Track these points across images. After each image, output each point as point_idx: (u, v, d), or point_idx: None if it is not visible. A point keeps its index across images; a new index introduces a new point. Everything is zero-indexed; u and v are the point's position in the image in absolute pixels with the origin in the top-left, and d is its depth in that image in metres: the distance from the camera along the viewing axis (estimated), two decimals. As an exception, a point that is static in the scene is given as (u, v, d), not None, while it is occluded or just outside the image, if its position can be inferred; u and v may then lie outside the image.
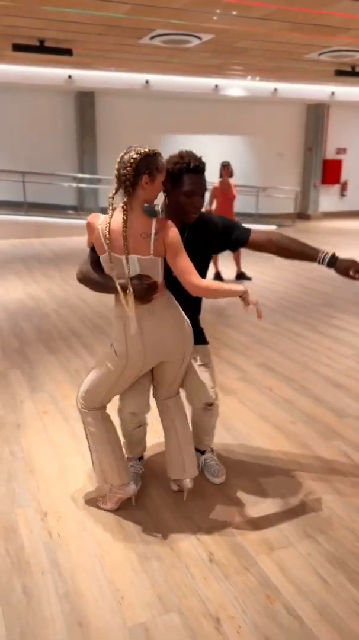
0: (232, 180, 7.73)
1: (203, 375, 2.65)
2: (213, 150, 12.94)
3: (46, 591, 2.16)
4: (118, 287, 2.31)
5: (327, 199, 16.13)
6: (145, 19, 7.30)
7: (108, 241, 2.27)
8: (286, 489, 2.81)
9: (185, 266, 2.29)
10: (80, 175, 13.11)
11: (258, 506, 2.67)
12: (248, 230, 2.61)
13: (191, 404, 2.74)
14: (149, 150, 2.25)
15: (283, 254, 2.63)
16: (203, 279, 2.37)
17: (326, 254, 2.54)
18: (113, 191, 2.27)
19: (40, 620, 2.03)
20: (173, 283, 2.40)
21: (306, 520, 2.57)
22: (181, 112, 13.88)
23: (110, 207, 2.29)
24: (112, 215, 2.29)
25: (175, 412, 2.68)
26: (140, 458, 2.94)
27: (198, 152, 2.54)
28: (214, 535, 2.47)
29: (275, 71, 11.61)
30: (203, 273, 2.56)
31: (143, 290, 2.30)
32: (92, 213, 2.49)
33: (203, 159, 2.47)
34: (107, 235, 2.27)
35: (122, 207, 2.24)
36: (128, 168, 2.21)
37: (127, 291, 2.31)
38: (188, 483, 2.68)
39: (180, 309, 2.48)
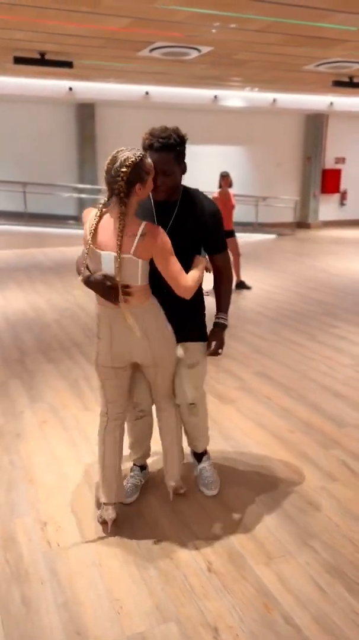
0: (232, 190, 7.78)
1: (187, 374, 2.60)
2: (213, 160, 13.01)
3: (45, 600, 2.16)
4: (81, 278, 2.37)
5: (327, 208, 16.19)
6: (145, 32, 7.39)
7: (92, 234, 2.30)
8: (285, 498, 2.82)
9: (174, 270, 2.33)
10: (80, 185, 13.19)
11: (256, 515, 2.68)
12: (220, 249, 2.63)
13: (177, 403, 2.69)
14: (135, 157, 2.23)
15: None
16: (187, 278, 2.37)
17: (219, 319, 2.67)
18: (106, 199, 2.31)
19: (38, 629, 2.03)
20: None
21: (304, 530, 2.58)
22: (181, 122, 13.78)
23: (103, 208, 2.32)
24: (102, 212, 2.32)
25: (166, 416, 2.70)
26: (143, 467, 2.93)
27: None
28: (213, 545, 2.47)
29: (274, 82, 11.72)
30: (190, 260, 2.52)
31: (104, 289, 2.30)
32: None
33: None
34: (93, 229, 2.30)
35: (119, 216, 2.24)
36: (120, 182, 2.21)
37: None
38: (171, 483, 2.74)
39: (158, 317, 2.44)
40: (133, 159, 2.22)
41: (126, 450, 2.79)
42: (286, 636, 1.99)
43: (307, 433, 3.53)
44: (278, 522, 2.63)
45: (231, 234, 7.42)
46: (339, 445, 3.37)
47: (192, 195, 2.54)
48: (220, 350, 2.62)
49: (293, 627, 2.03)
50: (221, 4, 6.22)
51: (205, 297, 2.72)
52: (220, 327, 2.66)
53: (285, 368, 4.68)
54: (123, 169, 2.20)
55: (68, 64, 9.00)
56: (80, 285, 2.43)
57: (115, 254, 2.26)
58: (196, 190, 2.59)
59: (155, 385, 2.64)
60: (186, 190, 2.55)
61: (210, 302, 2.73)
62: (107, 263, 2.30)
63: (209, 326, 2.69)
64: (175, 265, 2.33)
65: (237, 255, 7.54)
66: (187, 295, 2.39)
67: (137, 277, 2.33)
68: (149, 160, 2.31)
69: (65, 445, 3.37)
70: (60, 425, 3.64)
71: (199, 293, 2.64)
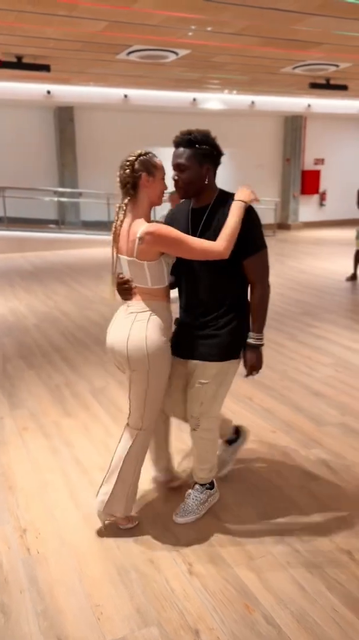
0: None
1: (196, 390, 2.51)
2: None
3: (25, 609, 2.14)
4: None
5: (306, 209, 16.33)
6: (122, 35, 7.40)
7: (114, 239, 2.42)
8: (266, 498, 2.83)
9: (196, 247, 2.30)
10: (61, 189, 13.13)
11: (237, 516, 2.69)
12: (256, 252, 2.43)
13: (186, 418, 2.64)
14: (143, 151, 2.39)
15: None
16: (215, 243, 2.30)
17: (253, 338, 2.50)
18: (121, 200, 2.40)
19: (18, 638, 2.01)
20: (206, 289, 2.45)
21: (285, 529, 2.59)
22: (161, 125, 13.99)
23: (122, 212, 2.40)
24: (122, 219, 2.41)
25: (123, 441, 2.55)
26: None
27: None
28: (194, 547, 2.47)
29: (252, 84, 11.79)
30: (238, 272, 2.45)
31: (117, 286, 2.45)
32: (73, 227, 2.63)
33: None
34: (115, 235, 2.42)
35: (121, 207, 2.36)
36: (126, 170, 2.35)
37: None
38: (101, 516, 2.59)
39: (153, 323, 2.38)
40: (140, 152, 2.39)
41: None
42: (267, 636, 2.00)
43: (288, 433, 3.55)
44: (259, 522, 2.64)
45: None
46: (319, 444, 3.40)
47: (225, 199, 2.47)
48: (254, 373, 2.55)
49: (273, 626, 2.04)
50: (197, 8, 6.25)
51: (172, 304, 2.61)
52: (251, 349, 2.50)
53: (266, 368, 4.65)
54: (130, 158, 2.37)
55: (46, 68, 8.97)
56: (61, 290, 2.46)
57: (123, 257, 2.40)
58: (231, 195, 2.49)
59: (129, 402, 2.50)
60: (221, 194, 2.51)
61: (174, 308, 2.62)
62: (124, 265, 2.45)
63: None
64: (193, 242, 2.31)
65: None
66: (226, 255, 2.30)
67: (146, 279, 2.39)
68: (159, 160, 2.42)
69: (46, 452, 3.35)
70: (40, 432, 3.61)
71: (240, 309, 2.50)
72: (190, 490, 2.72)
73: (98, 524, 2.62)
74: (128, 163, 2.35)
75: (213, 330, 2.48)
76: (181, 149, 2.41)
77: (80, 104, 12.69)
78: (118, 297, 2.50)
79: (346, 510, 2.72)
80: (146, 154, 2.39)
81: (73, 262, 10.61)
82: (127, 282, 2.43)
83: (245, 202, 2.39)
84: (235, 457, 3.07)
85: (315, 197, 16.48)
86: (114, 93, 12.33)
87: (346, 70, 10.01)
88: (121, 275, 2.47)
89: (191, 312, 2.54)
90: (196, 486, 2.70)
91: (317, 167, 16.29)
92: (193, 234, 2.41)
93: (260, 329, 2.50)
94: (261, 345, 2.52)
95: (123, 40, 7.72)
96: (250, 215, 2.41)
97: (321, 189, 16.38)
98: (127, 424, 2.54)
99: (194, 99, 13.10)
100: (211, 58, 8.92)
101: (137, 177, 2.34)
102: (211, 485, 2.73)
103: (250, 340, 2.50)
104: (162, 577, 2.29)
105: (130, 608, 2.13)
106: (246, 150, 15.27)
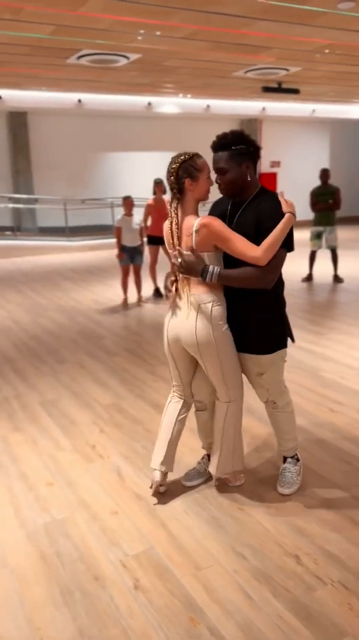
0: (166, 197, 7.79)
1: (256, 381, 2.78)
2: (148, 167, 13.02)
3: None
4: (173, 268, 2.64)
5: (265, 211, 16.52)
6: (70, 39, 7.32)
7: (170, 239, 2.61)
8: (215, 506, 2.81)
9: (238, 247, 2.46)
10: (16, 195, 12.90)
11: (185, 526, 2.65)
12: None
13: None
14: (185, 155, 2.55)
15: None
16: (257, 248, 2.46)
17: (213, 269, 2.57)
18: (171, 203, 2.59)
19: None
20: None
21: (233, 536, 2.57)
22: (116, 130, 13.94)
23: (175, 214, 2.58)
24: (176, 221, 2.59)
25: (217, 415, 2.81)
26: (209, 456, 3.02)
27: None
28: (141, 561, 2.43)
29: (206, 88, 11.86)
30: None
31: (186, 264, 2.53)
32: (30, 233, 2.69)
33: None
34: (170, 232, 2.61)
35: (174, 211, 2.56)
36: (171, 178, 2.54)
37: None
38: (212, 471, 2.89)
39: (216, 313, 2.57)
40: (183, 157, 2.54)
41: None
42: (211, 649, 1.97)
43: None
44: (207, 531, 2.61)
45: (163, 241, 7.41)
46: (271, 448, 3.39)
47: (262, 196, 2.60)
48: (179, 260, 2.56)
49: (218, 638, 2.01)
50: (145, 12, 6.23)
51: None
52: (202, 266, 2.53)
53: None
54: (173, 165, 2.54)
55: (-6, 72, 8.79)
56: (15, 298, 2.43)
57: (185, 251, 2.54)
58: (270, 192, 2.64)
59: (208, 376, 2.74)
60: (261, 191, 2.63)
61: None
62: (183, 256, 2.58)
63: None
64: (237, 242, 2.46)
65: (154, 262, 7.55)
66: (262, 262, 2.44)
67: None
68: (202, 160, 2.56)
69: (-8, 468, 3.25)
70: (-13, 447, 3.50)
71: (274, 300, 2.68)
72: (284, 465, 2.96)
73: (43, 544, 2.54)
74: (172, 170, 2.53)
75: (261, 327, 2.66)
76: (219, 154, 2.55)
77: (34, 109, 12.51)
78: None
79: (293, 514, 2.72)
80: (189, 157, 2.54)
81: (29, 269, 10.43)
82: (192, 249, 2.52)
83: (293, 213, 2.53)
84: (208, 473, 3.03)
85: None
86: (68, 98, 12.20)
87: (296, 74, 10.18)
88: (186, 253, 2.54)
89: (231, 305, 2.66)
90: (289, 459, 2.96)
91: (274, 170, 16.51)
92: (229, 226, 2.56)
93: (223, 275, 2.53)
94: (204, 273, 2.52)
95: (72, 44, 7.64)
96: (280, 212, 2.53)
97: (278, 191, 16.58)
98: (217, 399, 2.80)
99: (149, 103, 13.09)
100: (162, 62, 8.93)
101: (182, 183, 2.53)
102: (298, 458, 3.00)
103: (209, 267, 2.52)
104: (107, 595, 2.24)
105: (72, 630, 2.07)
106: (203, 154, 15.29)
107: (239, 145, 2.52)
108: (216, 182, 2.60)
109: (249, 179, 2.58)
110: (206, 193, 2.61)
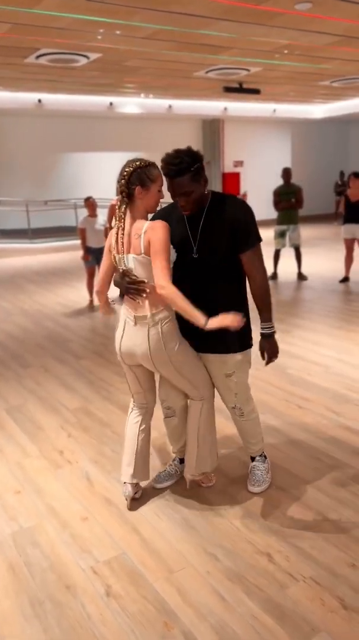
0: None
1: (224, 383, 2.73)
2: (111, 167, 12.93)
3: None
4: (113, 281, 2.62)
5: (229, 211, 16.62)
6: (28, 38, 7.19)
7: (114, 243, 2.51)
8: (186, 506, 2.79)
9: (158, 266, 2.40)
10: (-24, 197, 12.62)
11: (157, 529, 2.63)
12: (253, 246, 2.57)
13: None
14: (142, 162, 2.46)
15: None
16: (171, 285, 2.39)
17: (264, 327, 2.69)
18: (119, 206, 2.49)
19: None
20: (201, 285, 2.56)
21: (206, 538, 2.55)
22: (78, 130, 13.78)
23: (122, 219, 2.49)
24: (123, 225, 2.49)
25: (191, 414, 2.79)
26: (182, 460, 2.99)
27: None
28: (112, 566, 2.39)
29: (168, 89, 11.85)
30: (236, 268, 2.60)
31: (123, 285, 2.50)
32: None
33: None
34: (114, 236, 2.51)
35: (120, 215, 2.46)
36: (122, 181, 2.43)
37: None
38: (187, 476, 2.85)
39: (166, 330, 2.51)
40: (138, 163, 2.44)
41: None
42: (186, 653, 1.95)
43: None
44: (179, 534, 2.59)
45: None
46: (241, 447, 3.39)
47: (220, 200, 2.60)
48: (273, 359, 2.73)
49: (193, 642, 1.99)
50: (104, 11, 6.18)
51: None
52: (265, 338, 2.68)
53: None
54: (127, 169, 2.44)
55: None
56: None
57: (131, 255, 2.46)
58: (224, 195, 2.67)
59: (178, 385, 2.72)
60: (214, 196, 2.62)
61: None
62: (128, 264, 2.50)
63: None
64: (162, 261, 2.39)
65: None
66: (163, 292, 2.38)
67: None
68: (157, 171, 2.48)
69: None
70: None
71: (240, 302, 2.66)
72: (253, 464, 2.98)
73: (11, 554, 2.48)
74: (125, 173, 2.43)
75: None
76: (179, 179, 2.45)
77: (-8, 109, 12.25)
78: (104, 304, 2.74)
79: (263, 513, 2.73)
80: (145, 165, 2.45)
81: (-8, 273, 10.21)
82: (141, 282, 2.48)
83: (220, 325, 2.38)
84: (179, 475, 3.02)
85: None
86: (27, 98, 11.99)
87: (257, 75, 10.27)
88: (133, 275, 2.50)
89: (196, 306, 2.55)
90: (257, 458, 2.99)
91: (237, 170, 16.62)
92: (193, 238, 2.57)
93: (268, 318, 2.67)
94: (274, 332, 2.69)
95: (30, 43, 7.52)
96: (247, 211, 2.57)
97: (241, 191, 16.73)
98: (191, 398, 2.78)
99: (111, 103, 13.00)
100: (123, 62, 8.87)
101: (132, 189, 2.43)
102: (266, 455, 3.04)
103: (262, 331, 2.67)
104: (79, 603, 2.19)
105: (43, 641, 2.01)
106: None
107: (195, 165, 2.47)
108: (180, 204, 2.53)
109: (206, 191, 2.58)
110: (155, 205, 2.54)
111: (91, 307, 7.04)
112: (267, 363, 2.74)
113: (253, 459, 3.01)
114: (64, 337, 5.86)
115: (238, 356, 2.68)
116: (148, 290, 2.47)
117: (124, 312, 2.62)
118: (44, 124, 13.39)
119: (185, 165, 2.44)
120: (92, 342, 5.69)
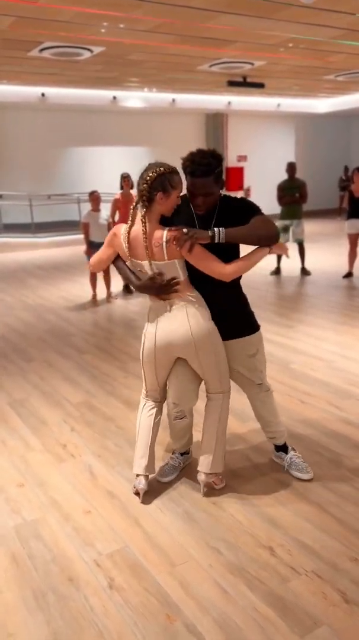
0: (134, 192, 7.72)
1: (250, 362, 2.81)
2: (114, 161, 12.91)
3: None
4: (133, 287, 2.68)
5: (232, 205, 16.57)
6: (31, 31, 7.16)
7: (127, 249, 2.56)
8: (188, 500, 2.80)
9: (208, 266, 2.52)
10: (-21, 191, 12.61)
11: (159, 523, 2.64)
12: (259, 213, 2.61)
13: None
14: (165, 168, 2.48)
15: None
16: (227, 267, 2.52)
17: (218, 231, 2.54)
18: (134, 203, 2.56)
19: None
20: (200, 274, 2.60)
21: (208, 532, 2.56)
22: (81, 124, 13.75)
23: (130, 218, 2.57)
24: (131, 225, 2.56)
25: (211, 409, 2.83)
26: (184, 453, 3.07)
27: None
28: (114, 559, 2.40)
29: (171, 82, 11.79)
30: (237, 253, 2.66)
31: (156, 288, 2.57)
32: None
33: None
34: (126, 244, 2.56)
35: (141, 219, 2.50)
36: (144, 185, 2.46)
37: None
38: (202, 477, 2.82)
39: (201, 308, 2.62)
40: (162, 169, 2.47)
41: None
42: (188, 645, 1.96)
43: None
44: (182, 527, 2.60)
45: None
46: (243, 440, 3.41)
47: (228, 204, 2.63)
48: (185, 231, 2.45)
49: (195, 635, 2.00)
50: (108, 4, 6.15)
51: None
52: (210, 231, 2.48)
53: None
54: (150, 174, 2.46)
55: None
56: None
57: (154, 262, 2.53)
58: (229, 197, 2.69)
59: (204, 378, 2.77)
60: (224, 199, 2.65)
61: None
62: (154, 269, 2.56)
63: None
64: (209, 264, 2.51)
65: None
66: (225, 279, 2.55)
67: (179, 273, 2.58)
68: (178, 177, 2.51)
69: None
70: None
71: (238, 290, 2.78)
72: (291, 454, 3.03)
73: (14, 546, 2.49)
74: (148, 179, 2.46)
75: (237, 312, 2.78)
76: (203, 179, 2.48)
77: (-5, 102, 12.22)
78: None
79: (266, 506, 2.73)
80: (168, 171, 2.48)
81: (-5, 267, 10.23)
82: (173, 280, 2.56)
83: (271, 249, 2.61)
84: (180, 468, 3.06)
85: (240, 194, 16.75)
86: (31, 91, 11.96)
87: (261, 68, 10.21)
88: (163, 277, 2.56)
89: (207, 302, 2.69)
90: (290, 449, 3.05)
91: (240, 164, 16.56)
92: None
93: (232, 233, 2.48)
94: (215, 237, 2.46)
95: (33, 36, 7.49)
96: (253, 204, 2.62)
97: (245, 185, 16.68)
98: (207, 396, 2.84)
99: (114, 97, 12.95)
100: (126, 56, 8.84)
101: (154, 195, 2.47)
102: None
103: (217, 228, 2.48)
104: (81, 596, 2.21)
105: (47, 634, 2.03)
106: (169, 149, 15.18)
107: (219, 167, 2.51)
108: (196, 203, 2.56)
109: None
110: (171, 211, 2.58)
111: (94, 301, 7.04)
112: (176, 237, 2.46)
113: (283, 449, 3.06)
114: (67, 332, 5.87)
115: (259, 334, 2.86)
116: (179, 287, 2.59)
117: (154, 307, 2.69)
118: (48, 117, 13.36)
119: (211, 168, 2.49)
120: (95, 336, 5.70)
